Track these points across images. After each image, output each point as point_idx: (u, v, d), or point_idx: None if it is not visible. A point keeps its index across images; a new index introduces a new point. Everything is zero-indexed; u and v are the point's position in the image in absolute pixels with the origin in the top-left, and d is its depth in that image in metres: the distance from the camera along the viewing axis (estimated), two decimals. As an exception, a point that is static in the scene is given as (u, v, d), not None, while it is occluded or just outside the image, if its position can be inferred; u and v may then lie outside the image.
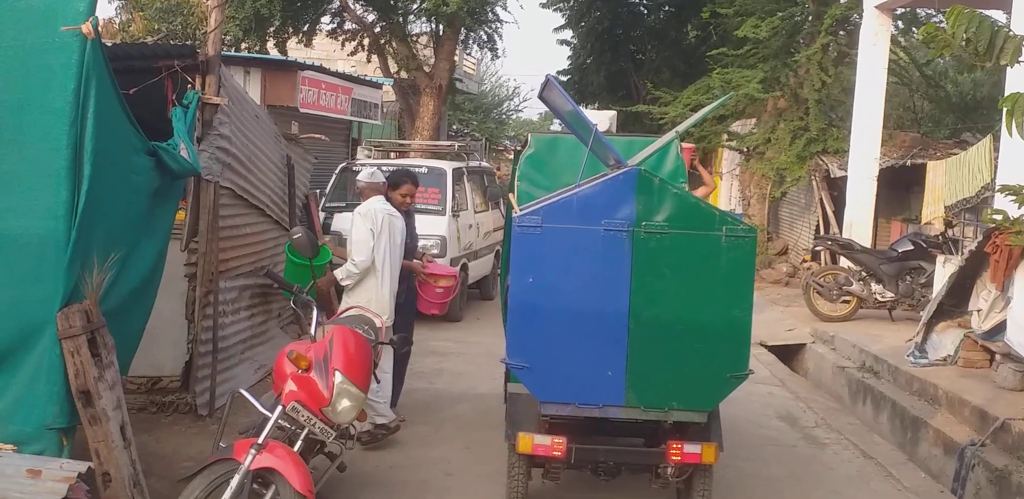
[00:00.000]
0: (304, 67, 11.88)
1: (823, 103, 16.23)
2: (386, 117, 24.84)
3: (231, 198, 7.03)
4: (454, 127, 34.75)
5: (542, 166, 6.63)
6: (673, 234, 4.76)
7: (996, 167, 9.52)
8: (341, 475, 5.30)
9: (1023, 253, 7.58)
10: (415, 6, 20.25)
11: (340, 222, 10.94)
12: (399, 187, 6.77)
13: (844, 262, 12.30)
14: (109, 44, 6.62)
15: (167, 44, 6.60)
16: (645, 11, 25.75)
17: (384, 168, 11.39)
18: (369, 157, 11.94)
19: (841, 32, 16.69)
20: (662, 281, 4.79)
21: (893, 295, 11.30)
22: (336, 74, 12.80)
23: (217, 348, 6.78)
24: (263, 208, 7.84)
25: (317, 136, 9.63)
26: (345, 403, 4.41)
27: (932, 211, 11.48)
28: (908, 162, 13.52)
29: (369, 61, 22.06)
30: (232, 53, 15.34)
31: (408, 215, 6.91)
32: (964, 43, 4.51)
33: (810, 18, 16.93)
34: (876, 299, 11.40)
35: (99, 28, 4.56)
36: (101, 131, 4.50)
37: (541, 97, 5.80)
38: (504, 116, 43.57)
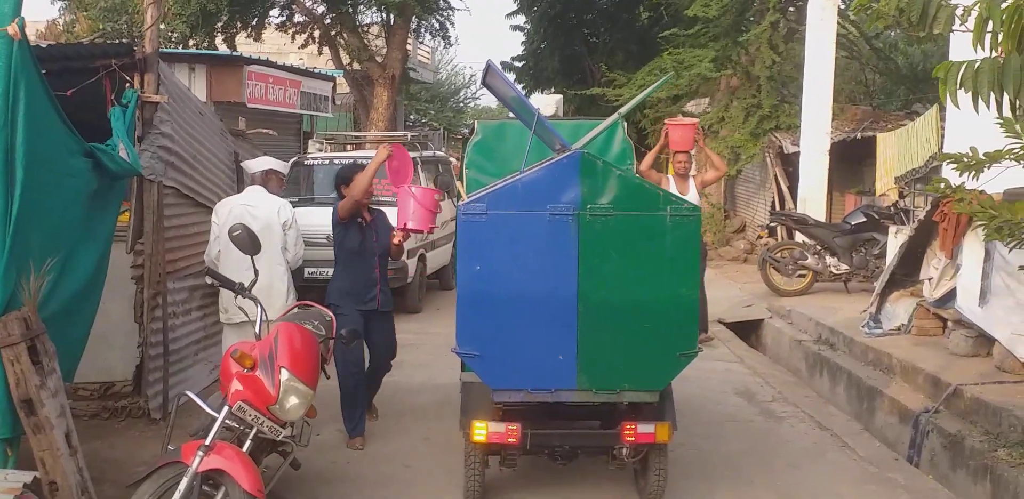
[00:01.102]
0: (250, 62, 11.75)
1: (775, 80, 16.33)
2: (341, 109, 24.71)
3: (176, 197, 6.94)
4: (411, 117, 34.63)
5: (490, 153, 6.62)
6: (618, 216, 4.76)
7: (943, 137, 9.63)
8: (297, 472, 5.26)
9: (970, 221, 7.67)
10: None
11: (293, 217, 10.85)
12: (350, 182, 6.36)
13: (800, 237, 12.41)
14: (44, 45, 6.54)
15: (104, 43, 6.46)
16: (596, -6, 25.78)
17: (337, 162, 11.40)
18: (320, 151, 11.86)
19: (791, 8, 16.79)
20: (609, 263, 4.80)
21: (848, 267, 11.42)
22: (284, 67, 12.68)
23: (168, 350, 6.71)
24: (211, 206, 7.74)
25: (265, 131, 9.54)
26: (293, 400, 4.38)
27: (884, 183, 11.61)
28: (859, 135, 13.61)
29: (320, 53, 21.91)
30: (176, 50, 15.18)
31: (376, 213, 6.53)
32: (898, 13, 4.53)
33: (758, -5, 17.01)
34: (831, 272, 11.51)
35: (25, 29, 4.47)
36: (33, 134, 4.41)
37: (484, 83, 5.79)
38: (462, 104, 43.52)
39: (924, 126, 10.35)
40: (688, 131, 9.28)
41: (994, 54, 4.27)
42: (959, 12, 4.42)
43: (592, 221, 4.75)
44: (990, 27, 4.22)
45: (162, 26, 19.36)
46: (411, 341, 9.50)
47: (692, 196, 9.17)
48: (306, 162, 10.95)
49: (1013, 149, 5.20)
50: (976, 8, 4.18)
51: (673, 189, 9.02)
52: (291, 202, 10.91)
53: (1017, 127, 5.09)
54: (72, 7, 19.41)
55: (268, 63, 12.56)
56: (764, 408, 7.55)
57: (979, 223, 5.80)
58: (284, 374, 4.34)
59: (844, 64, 18.52)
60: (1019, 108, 4.33)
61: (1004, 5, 4.11)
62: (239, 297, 4.91)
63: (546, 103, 7.01)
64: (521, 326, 4.78)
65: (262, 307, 4.78)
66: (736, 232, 17.51)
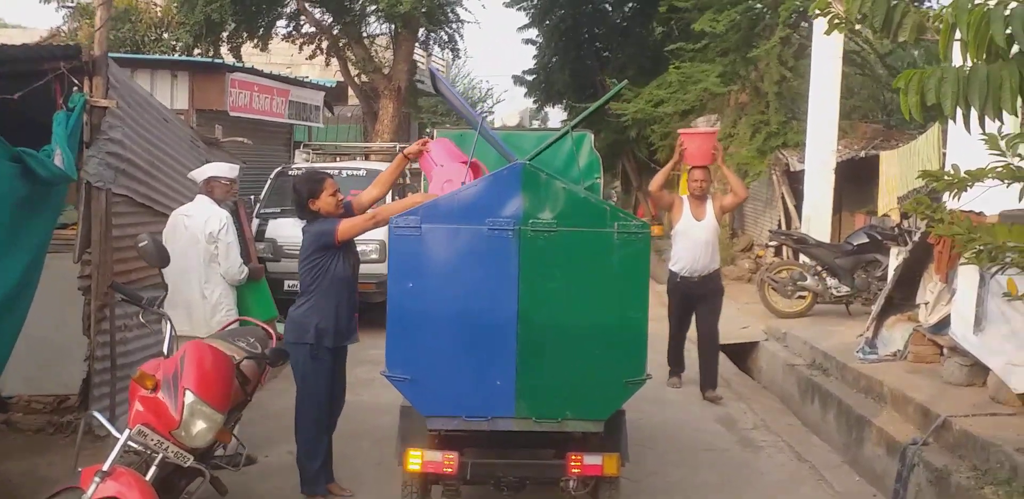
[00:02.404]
0: (233, 69, 11.53)
1: (784, 96, 15.99)
2: (350, 121, 24.56)
3: (129, 206, 6.69)
4: (428, 130, 34.46)
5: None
6: (562, 232, 4.47)
7: (944, 155, 9.27)
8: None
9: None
10: (370, 7, 19.93)
11: (275, 229, 10.63)
12: (318, 193, 5.39)
13: (805, 258, 12.04)
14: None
15: (51, 45, 6.25)
16: (609, 8, 25.51)
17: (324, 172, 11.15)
18: (308, 160, 11.63)
19: (804, 24, 16.45)
20: (552, 282, 4.50)
21: (849, 289, 11.04)
22: (271, 76, 12.46)
23: (116, 365, 6.43)
24: (173, 216, 7.50)
25: (240, 140, 9.31)
26: (199, 425, 4.08)
27: (886, 203, 11.22)
28: (864, 154, 13.23)
29: (328, 64, 21.77)
30: (157, 57, 15.00)
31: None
32: (860, 18, 4.21)
33: (768, 11, 16.68)
34: (832, 294, 11.13)
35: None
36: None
37: (436, 90, 5.51)
38: (488, 117, 43.32)
39: (925, 144, 9.98)
40: (706, 142, 8.11)
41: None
42: (929, 18, 4.11)
43: (534, 237, 4.45)
44: (958, 35, 3.89)
45: (165, 35, 19.38)
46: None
47: (709, 222, 8.21)
48: (290, 172, 10.72)
49: (996, 167, 4.86)
50: (943, 14, 3.85)
51: (687, 213, 8.22)
52: (272, 213, 10.86)
53: (1002, 144, 4.76)
54: (76, 15, 19.37)
55: (253, 71, 12.35)
56: (743, 436, 7.19)
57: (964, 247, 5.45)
58: (189, 397, 4.04)
59: (862, 82, 18.16)
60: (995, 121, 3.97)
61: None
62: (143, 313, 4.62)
63: (510, 114, 6.75)
64: (456, 348, 4.48)
65: (171, 323, 4.50)
66: (743, 251, 17.11)
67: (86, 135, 6.13)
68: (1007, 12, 3.61)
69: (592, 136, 6.49)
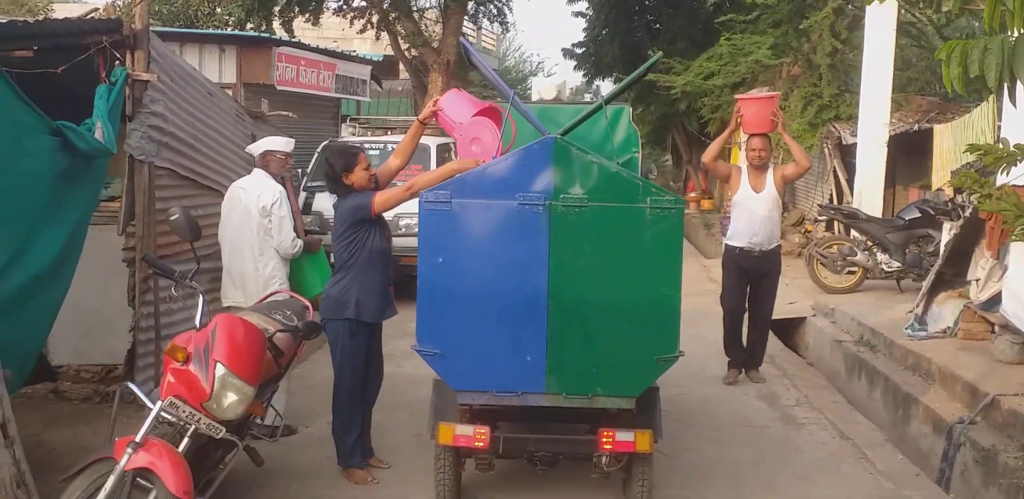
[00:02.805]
0: (280, 43, 11.56)
1: (837, 68, 15.65)
2: (401, 95, 24.58)
3: (173, 179, 6.75)
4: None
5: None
6: (593, 207, 4.41)
7: (999, 128, 9.00)
8: (264, 469, 5.04)
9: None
10: (420, -21, 19.87)
11: (322, 202, 10.69)
12: (352, 166, 5.32)
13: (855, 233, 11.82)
14: (31, 21, 6.39)
15: (93, 19, 6.29)
16: (660, -22, 25.10)
17: (368, 145, 11.18)
18: (354, 134, 11.65)
19: (879, -7, 16.02)
20: (583, 258, 4.45)
21: (900, 265, 10.82)
22: (317, 50, 12.46)
23: (160, 336, 6.52)
24: (218, 189, 7.55)
25: (285, 114, 9.33)
26: (230, 397, 4.11)
27: (940, 177, 10.95)
28: (917, 127, 12.92)
29: (378, 38, 21.75)
30: (205, 31, 15.08)
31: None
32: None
33: (822, -20, 16.30)
34: (882, 269, 10.93)
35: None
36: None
37: (470, 63, 5.46)
38: (528, 92, 43.08)
39: (980, 117, 9.69)
40: (765, 107, 7.46)
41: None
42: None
43: (565, 212, 4.40)
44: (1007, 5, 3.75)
45: (218, 10, 19.48)
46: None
47: (769, 193, 7.63)
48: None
49: (1050, 141, 4.71)
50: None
51: (745, 184, 7.67)
52: (319, 187, 10.92)
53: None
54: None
55: (299, 45, 12.35)
56: (785, 413, 7.09)
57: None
58: (220, 369, 4.07)
59: (917, 53, 17.70)
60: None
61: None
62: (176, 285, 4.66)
63: (548, 87, 6.63)
64: (486, 324, 4.47)
65: (203, 297, 4.54)
66: (794, 225, 16.83)
67: (128, 109, 6.19)
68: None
69: (630, 110, 6.39)
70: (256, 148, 6.53)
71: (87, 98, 5.86)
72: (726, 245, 8.01)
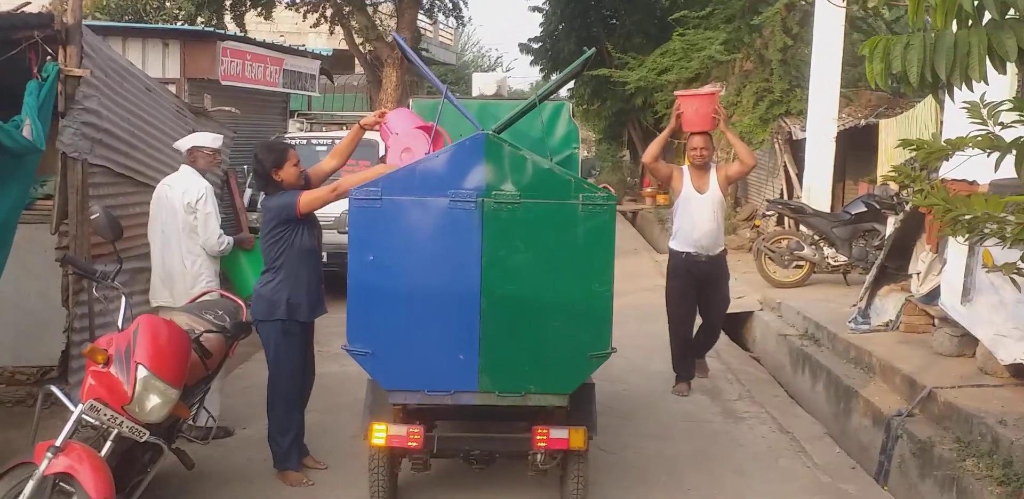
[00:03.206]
0: (225, 38, 11.40)
1: (788, 64, 15.77)
2: (356, 90, 24.41)
3: (108, 176, 6.64)
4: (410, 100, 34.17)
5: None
6: (526, 204, 4.39)
7: (941, 122, 9.12)
8: (197, 472, 4.97)
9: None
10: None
11: (269, 199, 10.56)
12: (283, 163, 5.24)
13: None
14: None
15: (23, 14, 6.14)
16: (616, -26, 25.16)
17: (316, 141, 11.10)
18: (302, 130, 11.55)
19: (810, -11, 16.16)
20: (515, 255, 4.42)
21: (846, 259, 10.95)
22: (263, 44, 12.31)
23: (95, 336, 6.39)
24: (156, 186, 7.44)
25: (228, 109, 9.22)
26: (153, 400, 4.04)
27: (885, 171, 11.06)
28: (864, 122, 13.06)
29: (332, 33, 21.58)
30: (147, 25, 14.88)
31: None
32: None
33: (773, -23, 16.41)
34: (829, 263, 11.05)
35: None
36: None
37: (407, 58, 5.41)
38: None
39: (924, 111, 9.82)
40: (705, 105, 7.09)
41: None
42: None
43: (497, 209, 4.37)
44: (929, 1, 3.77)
45: (168, 4, 19.23)
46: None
47: (712, 195, 7.27)
48: (284, 141, 10.63)
49: (976, 136, 4.74)
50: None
51: (688, 185, 7.28)
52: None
53: (983, 112, 4.64)
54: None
55: (245, 40, 12.21)
56: (726, 408, 7.13)
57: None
58: (141, 371, 3.99)
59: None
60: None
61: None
62: (97, 286, 4.57)
63: (487, 81, 6.58)
64: (418, 322, 4.43)
65: (126, 298, 4.46)
66: (746, 220, 16.97)
67: (61, 105, 6.07)
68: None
69: (570, 106, 6.38)
70: (183, 144, 6.42)
71: (19, 95, 5.74)
72: (671, 250, 7.56)
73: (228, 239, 6.28)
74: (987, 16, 3.64)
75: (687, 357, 7.64)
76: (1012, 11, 3.49)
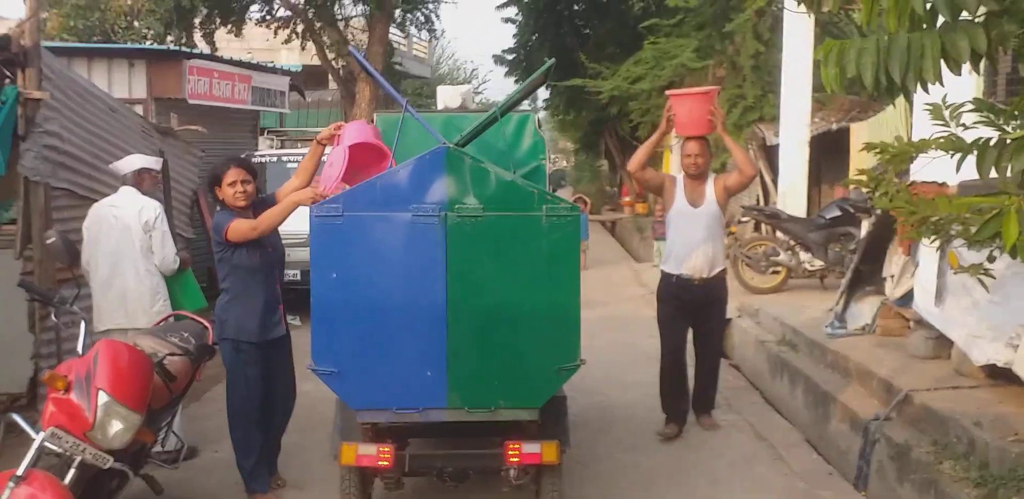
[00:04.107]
0: (191, 56, 11.36)
1: (760, 69, 15.83)
2: (330, 105, 24.37)
3: (72, 199, 6.59)
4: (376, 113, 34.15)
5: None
6: (489, 217, 4.33)
7: (911, 125, 9.15)
8: (167, 497, 4.89)
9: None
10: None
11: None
12: (220, 180, 5.22)
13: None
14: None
15: (-21, 38, 6.09)
16: (587, -17, 25.23)
17: (286, 158, 11.03)
18: (272, 147, 11.49)
19: (779, -5, 16.25)
20: (480, 269, 4.37)
21: (822, 263, 10.97)
22: (231, 62, 12.28)
23: (63, 362, 6.33)
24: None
25: (195, 128, 9.16)
26: (115, 426, 3.97)
27: (856, 175, 11.09)
28: (835, 127, 13.11)
29: (304, 48, 21.55)
30: (112, 45, 14.81)
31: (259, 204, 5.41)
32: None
33: (742, -17, 16.48)
34: (805, 269, 11.06)
35: None
36: None
37: (366, 72, 5.38)
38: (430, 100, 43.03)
39: (894, 115, 9.85)
40: (701, 105, 6.19)
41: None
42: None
43: (460, 223, 4.32)
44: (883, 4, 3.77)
45: (136, 23, 19.15)
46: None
47: (709, 208, 6.44)
48: (253, 159, 10.57)
49: (940, 138, 4.75)
50: (864, -18, 3.72)
51: (681, 197, 6.45)
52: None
53: (946, 113, 4.65)
54: (44, 4, 19.13)
55: (212, 57, 12.17)
56: (704, 416, 7.09)
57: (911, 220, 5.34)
58: (102, 397, 3.93)
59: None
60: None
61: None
62: (55, 312, 4.51)
63: (451, 94, 6.54)
64: (384, 339, 4.36)
65: (86, 322, 4.40)
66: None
67: (21, 128, 6.02)
68: (925, -21, 3.49)
69: (536, 117, 6.34)
70: (128, 166, 6.28)
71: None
72: (661, 272, 6.76)
73: (178, 257, 6.23)
74: (940, 19, 3.64)
75: (677, 394, 6.81)
76: (964, 13, 3.48)
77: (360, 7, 20.44)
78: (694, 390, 6.87)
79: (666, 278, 6.66)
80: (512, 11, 25.38)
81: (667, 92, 6.59)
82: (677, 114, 6.22)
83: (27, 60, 6.05)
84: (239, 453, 5.36)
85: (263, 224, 5.02)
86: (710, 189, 6.41)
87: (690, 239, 6.43)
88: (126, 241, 5.99)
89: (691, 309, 6.64)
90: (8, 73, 6.07)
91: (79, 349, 4.30)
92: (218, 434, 6.45)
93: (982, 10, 3.48)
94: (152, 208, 6.04)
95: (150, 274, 6.07)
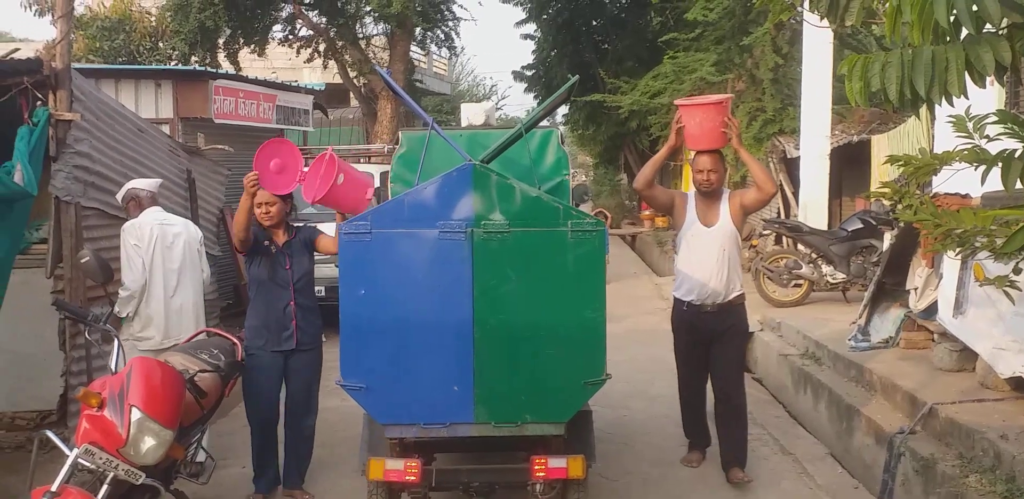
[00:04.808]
0: (216, 76, 11.52)
1: (780, 82, 15.87)
2: (352, 123, 24.54)
3: (102, 218, 6.67)
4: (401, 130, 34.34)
5: (415, 165, 6.21)
6: (515, 233, 4.40)
7: (933, 136, 9.15)
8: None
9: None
10: (365, 8, 19.89)
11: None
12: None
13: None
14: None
15: (13, 60, 6.20)
16: (605, 0, 25.34)
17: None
18: (296, 164, 11.56)
19: (800, 8, 16.24)
20: (507, 285, 4.43)
21: (845, 276, 10.93)
22: (255, 81, 12.43)
23: (92, 379, 6.38)
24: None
25: (221, 147, 9.28)
26: (148, 442, 4.03)
27: (878, 187, 11.08)
28: (856, 139, 13.10)
29: (326, 67, 21.75)
30: (140, 66, 15.00)
31: (300, 232, 5.72)
32: (808, 2, 4.13)
33: (761, -4, 16.49)
34: (827, 281, 11.02)
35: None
36: None
37: (393, 91, 5.47)
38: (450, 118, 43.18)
39: (916, 126, 9.85)
40: (713, 116, 5.64)
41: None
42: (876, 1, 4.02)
43: (487, 239, 4.38)
44: (906, 18, 3.80)
45: (160, 44, 19.38)
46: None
47: (723, 228, 5.90)
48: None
49: (963, 150, 4.76)
50: (887, -3, 3.76)
51: (693, 215, 5.95)
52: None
53: (969, 125, 4.66)
54: (73, 27, 19.40)
55: (237, 77, 12.32)
56: (729, 430, 7.08)
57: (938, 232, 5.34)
58: (135, 414, 4.00)
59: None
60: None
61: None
62: (88, 329, 4.59)
63: (475, 111, 6.59)
64: (411, 355, 4.42)
65: (119, 340, 4.47)
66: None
67: (52, 149, 6.12)
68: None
69: (559, 133, 6.39)
70: (152, 185, 6.44)
71: (10, 141, 5.79)
72: (674, 298, 6.27)
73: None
74: (964, 31, 3.67)
75: (697, 422, 6.47)
76: (988, 26, 3.51)
77: (381, 26, 20.59)
78: (720, 443, 6.27)
79: (678, 305, 6.17)
80: (531, 28, 25.58)
81: (675, 101, 6.14)
82: (687, 126, 5.72)
83: (58, 82, 6.16)
84: (254, 448, 5.73)
85: (233, 229, 5.52)
86: (725, 207, 5.91)
87: (703, 261, 5.92)
88: (189, 258, 6.21)
89: (705, 340, 6.10)
90: (39, 95, 6.17)
91: (112, 367, 4.37)
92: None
93: (1005, 22, 3.51)
94: (196, 228, 6.36)
95: (202, 291, 6.36)
